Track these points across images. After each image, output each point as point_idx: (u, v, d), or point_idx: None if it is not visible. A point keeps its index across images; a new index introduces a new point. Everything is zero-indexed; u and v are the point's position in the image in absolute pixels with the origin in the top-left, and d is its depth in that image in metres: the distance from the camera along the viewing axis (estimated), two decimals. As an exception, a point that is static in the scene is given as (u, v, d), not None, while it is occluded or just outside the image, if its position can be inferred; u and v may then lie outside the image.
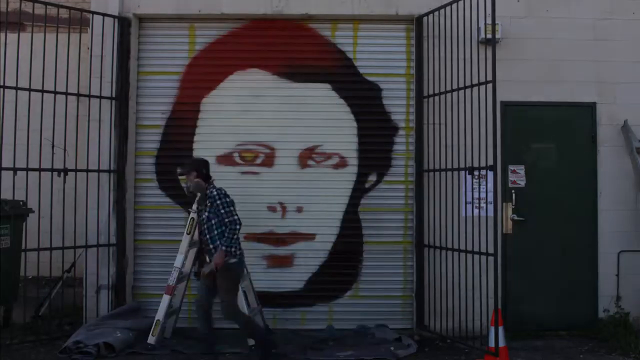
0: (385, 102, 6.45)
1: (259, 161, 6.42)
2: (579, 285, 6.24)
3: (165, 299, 5.55)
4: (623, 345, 5.62)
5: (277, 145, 6.42)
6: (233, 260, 5.08)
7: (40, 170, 5.72)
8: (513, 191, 6.26)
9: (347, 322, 6.22)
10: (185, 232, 5.63)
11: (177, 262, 5.58)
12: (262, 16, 6.42)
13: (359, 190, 6.41)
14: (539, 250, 6.24)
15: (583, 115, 6.35)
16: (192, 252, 5.83)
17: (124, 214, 6.23)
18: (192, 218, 5.57)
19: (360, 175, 6.42)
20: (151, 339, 5.49)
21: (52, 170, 5.77)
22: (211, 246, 5.13)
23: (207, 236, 5.15)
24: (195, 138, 6.45)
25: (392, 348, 5.61)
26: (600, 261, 6.25)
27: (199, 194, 5.27)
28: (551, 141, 6.37)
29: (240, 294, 5.45)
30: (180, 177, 6.26)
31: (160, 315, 5.52)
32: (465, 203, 6.06)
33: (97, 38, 6.18)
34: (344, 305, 6.32)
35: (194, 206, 5.47)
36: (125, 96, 6.29)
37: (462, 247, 5.64)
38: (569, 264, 6.24)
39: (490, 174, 5.53)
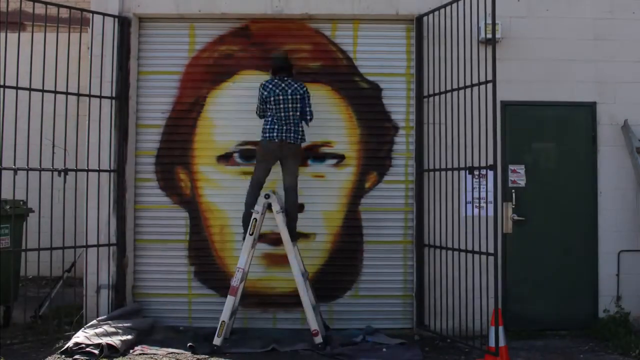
0: (385, 101, 6.45)
1: (259, 161, 6.42)
2: (579, 285, 6.25)
3: (230, 299, 5.59)
4: (623, 345, 5.63)
5: (277, 145, 6.42)
6: None
7: (40, 170, 5.72)
8: (513, 191, 6.26)
9: (347, 322, 6.22)
10: (247, 232, 5.67)
11: (241, 263, 5.62)
12: (262, 16, 6.42)
13: (359, 190, 6.42)
14: (539, 250, 6.24)
15: (583, 115, 6.35)
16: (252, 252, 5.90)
17: (124, 214, 6.23)
18: (255, 219, 5.65)
19: (360, 174, 6.43)
20: (217, 340, 5.48)
21: (52, 170, 5.77)
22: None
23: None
24: (195, 138, 6.46)
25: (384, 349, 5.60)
26: (600, 261, 6.25)
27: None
28: (551, 141, 6.37)
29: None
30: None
31: (225, 316, 5.54)
32: (466, 203, 6.06)
33: (97, 38, 6.19)
34: (344, 305, 6.32)
35: (257, 207, 5.67)
36: (126, 96, 6.29)
37: (462, 247, 5.64)
38: (569, 264, 6.25)
39: (490, 174, 5.54)
